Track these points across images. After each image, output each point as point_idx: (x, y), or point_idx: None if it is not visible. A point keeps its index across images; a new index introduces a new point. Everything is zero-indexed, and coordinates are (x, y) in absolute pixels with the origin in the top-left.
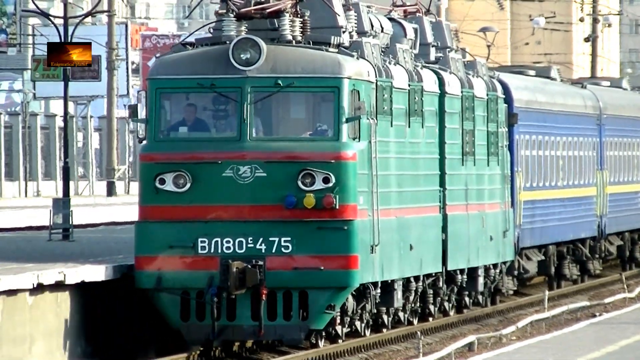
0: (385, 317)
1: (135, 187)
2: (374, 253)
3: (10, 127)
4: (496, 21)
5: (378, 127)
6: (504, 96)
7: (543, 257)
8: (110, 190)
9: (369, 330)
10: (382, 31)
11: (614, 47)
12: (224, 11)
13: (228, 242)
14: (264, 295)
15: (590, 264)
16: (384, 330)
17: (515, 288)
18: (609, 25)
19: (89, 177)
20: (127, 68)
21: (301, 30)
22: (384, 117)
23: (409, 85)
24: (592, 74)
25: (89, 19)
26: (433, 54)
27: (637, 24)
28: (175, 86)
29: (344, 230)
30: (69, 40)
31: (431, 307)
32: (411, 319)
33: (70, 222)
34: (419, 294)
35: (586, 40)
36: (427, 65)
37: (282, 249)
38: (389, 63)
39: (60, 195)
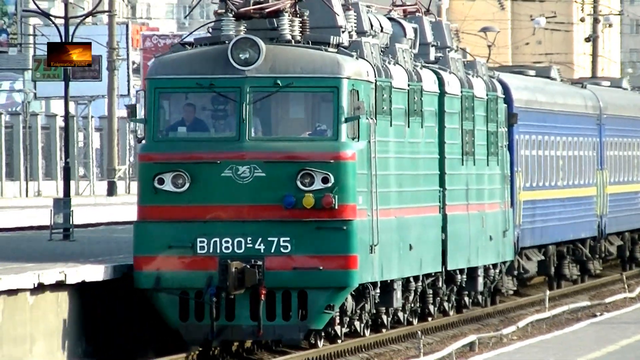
0: (384, 317)
1: (135, 187)
2: (373, 253)
3: (11, 127)
4: (497, 21)
5: (377, 127)
6: (503, 96)
7: (543, 257)
8: (111, 190)
9: (369, 330)
10: (381, 31)
11: (614, 47)
12: (223, 11)
13: (227, 242)
14: (263, 295)
15: (591, 264)
16: (383, 330)
17: (515, 288)
18: (610, 25)
19: (90, 177)
20: (128, 68)
21: (300, 30)
22: (383, 117)
23: (409, 85)
24: (593, 74)
25: (89, 19)
26: (433, 54)
27: (637, 24)
28: (174, 86)
29: (343, 230)
30: (70, 40)
31: (431, 307)
32: (411, 319)
33: (71, 222)
34: (418, 294)
35: (587, 40)
36: (426, 65)
37: (281, 249)
38: (389, 63)
39: (60, 195)
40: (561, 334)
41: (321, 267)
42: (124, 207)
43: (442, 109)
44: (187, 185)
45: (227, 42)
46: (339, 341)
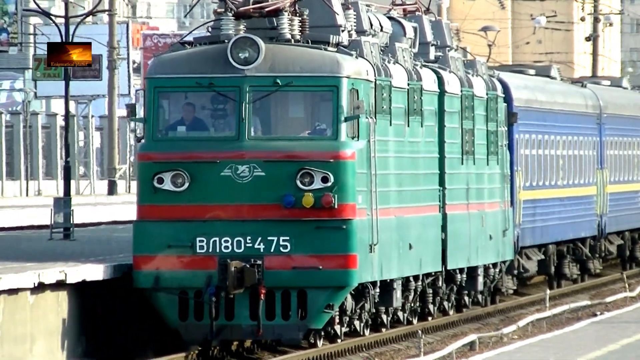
0: (384, 316)
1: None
2: (372, 252)
3: (12, 126)
4: (497, 20)
5: (377, 126)
6: (503, 95)
7: (543, 257)
8: (112, 190)
9: (368, 329)
10: (381, 30)
11: (615, 47)
12: (223, 10)
13: (226, 241)
14: (262, 295)
15: (590, 264)
16: (383, 329)
17: (515, 287)
18: (610, 25)
19: (90, 176)
20: (128, 67)
21: (300, 29)
22: (383, 116)
23: (408, 84)
24: (593, 73)
25: (90, 18)
26: (432, 53)
27: (638, 23)
28: (173, 85)
29: (342, 230)
30: (70, 40)
31: (430, 307)
32: (410, 319)
33: (71, 221)
34: (418, 293)
35: (587, 39)
36: (426, 64)
37: (281, 248)
38: (388, 62)
39: (61, 194)
40: (562, 334)
41: (321, 267)
42: (125, 207)
43: (442, 108)
44: (186, 184)
45: (226, 41)
46: (339, 341)
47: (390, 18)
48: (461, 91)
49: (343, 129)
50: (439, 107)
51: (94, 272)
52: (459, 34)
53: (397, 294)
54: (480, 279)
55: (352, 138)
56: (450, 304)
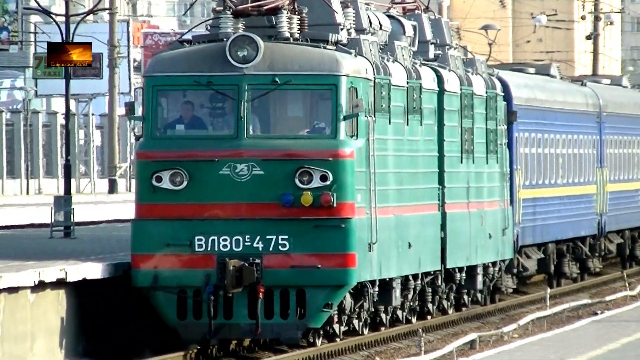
0: (383, 315)
1: None
2: (371, 251)
3: (12, 124)
4: (498, 19)
5: (376, 124)
6: (503, 94)
7: (542, 255)
8: (112, 188)
9: (367, 328)
10: (380, 28)
11: (615, 45)
12: (221, 8)
13: (225, 240)
14: (261, 294)
15: (590, 262)
16: (382, 328)
17: (514, 286)
18: (611, 23)
19: (91, 175)
20: (129, 66)
21: (299, 27)
22: (382, 115)
23: (408, 82)
24: (594, 71)
25: (90, 17)
26: (432, 52)
27: (638, 22)
28: (172, 83)
29: (341, 228)
30: (71, 38)
31: (430, 306)
32: (410, 318)
33: (72, 220)
34: (417, 292)
35: (588, 38)
36: (425, 62)
37: (279, 247)
38: (388, 60)
39: (61, 192)
40: (562, 332)
41: (319, 266)
42: (125, 205)
43: (442, 107)
44: (185, 183)
45: (225, 39)
46: (338, 340)
47: (389, 16)
48: (460, 90)
49: (342, 127)
50: (439, 106)
51: (94, 270)
52: (460, 33)
53: (396, 293)
54: (480, 278)
55: (351, 137)
56: (449, 303)
